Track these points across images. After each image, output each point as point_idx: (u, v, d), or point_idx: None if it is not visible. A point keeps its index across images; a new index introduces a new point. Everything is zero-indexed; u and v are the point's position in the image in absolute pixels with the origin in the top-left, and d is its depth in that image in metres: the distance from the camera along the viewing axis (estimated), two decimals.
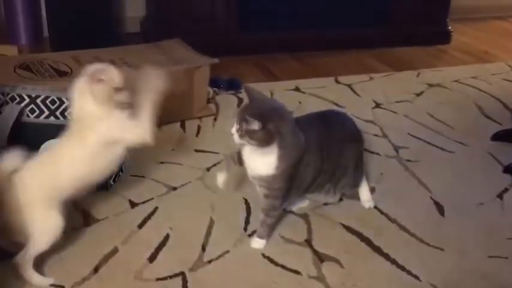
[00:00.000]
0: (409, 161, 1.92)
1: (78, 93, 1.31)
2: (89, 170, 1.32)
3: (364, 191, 1.63)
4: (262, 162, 1.35)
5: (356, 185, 1.60)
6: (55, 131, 1.57)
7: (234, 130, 1.31)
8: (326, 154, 1.44)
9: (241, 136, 1.30)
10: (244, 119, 1.28)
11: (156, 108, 1.38)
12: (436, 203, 1.68)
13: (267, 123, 1.27)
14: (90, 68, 1.30)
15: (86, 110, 1.30)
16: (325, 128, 1.48)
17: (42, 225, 1.27)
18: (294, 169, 1.37)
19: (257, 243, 1.45)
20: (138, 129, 1.34)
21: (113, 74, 1.29)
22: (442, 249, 1.47)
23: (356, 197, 1.63)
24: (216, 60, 2.18)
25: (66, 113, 1.58)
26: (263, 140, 1.29)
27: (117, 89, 1.28)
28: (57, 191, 1.29)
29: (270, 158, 1.33)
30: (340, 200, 1.65)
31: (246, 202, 1.63)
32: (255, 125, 1.26)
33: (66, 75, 1.95)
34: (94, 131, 1.29)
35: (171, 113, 2.09)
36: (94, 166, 1.32)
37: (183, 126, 2.10)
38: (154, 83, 1.40)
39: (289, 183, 1.39)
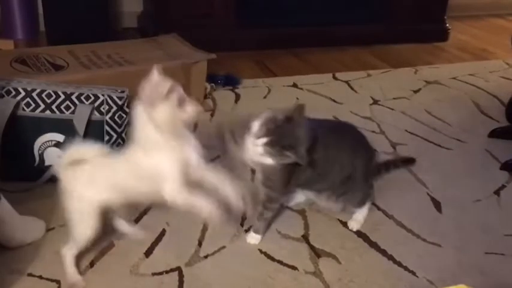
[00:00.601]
0: None
1: (139, 122, 1.19)
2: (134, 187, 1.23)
3: (360, 212, 1.53)
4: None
5: (360, 204, 1.52)
6: (51, 124, 1.58)
7: (260, 142, 1.24)
8: (329, 162, 1.40)
9: (269, 154, 1.24)
10: (292, 146, 1.22)
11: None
12: (433, 199, 1.68)
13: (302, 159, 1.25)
14: (146, 86, 1.15)
15: (151, 138, 1.18)
16: (336, 137, 1.44)
17: (82, 220, 1.25)
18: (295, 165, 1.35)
19: (253, 238, 1.45)
20: (176, 188, 1.20)
21: (173, 85, 1.15)
22: (439, 245, 1.47)
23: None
24: (213, 56, 2.17)
25: (62, 107, 1.57)
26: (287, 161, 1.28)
27: (181, 102, 1.15)
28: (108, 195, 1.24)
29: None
30: None
31: (243, 198, 1.62)
32: (296, 158, 1.25)
33: (62, 69, 1.94)
34: (147, 156, 1.19)
35: None
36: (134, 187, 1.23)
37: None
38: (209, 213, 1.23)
39: (289, 177, 1.38)
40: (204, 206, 1.21)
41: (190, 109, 1.16)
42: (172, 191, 1.20)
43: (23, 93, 1.55)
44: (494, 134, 2.08)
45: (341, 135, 1.48)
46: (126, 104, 1.63)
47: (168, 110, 1.14)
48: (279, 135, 1.24)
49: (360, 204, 1.52)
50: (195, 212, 1.22)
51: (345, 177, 1.44)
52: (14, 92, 1.55)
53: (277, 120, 1.25)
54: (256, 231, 1.45)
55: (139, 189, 1.23)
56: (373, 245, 1.46)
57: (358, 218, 1.53)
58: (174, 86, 1.14)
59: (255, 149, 1.27)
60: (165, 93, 1.13)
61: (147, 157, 1.19)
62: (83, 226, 1.25)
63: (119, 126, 1.64)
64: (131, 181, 1.22)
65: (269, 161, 1.28)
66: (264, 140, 1.24)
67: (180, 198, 1.20)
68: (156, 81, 1.15)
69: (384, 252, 1.43)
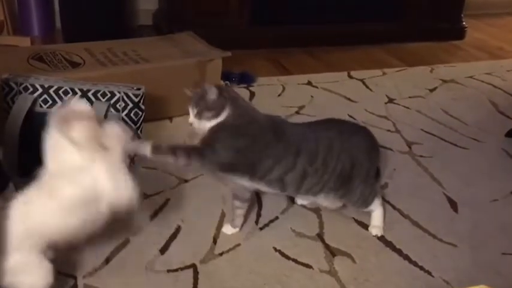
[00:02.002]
0: (422, 156, 1.90)
1: (52, 147, 1.10)
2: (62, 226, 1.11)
3: (375, 216, 1.49)
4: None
5: (364, 204, 1.46)
6: None
7: (192, 118, 1.33)
8: (320, 158, 1.35)
9: (200, 116, 1.31)
10: (203, 92, 1.30)
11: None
12: (449, 199, 1.66)
13: (222, 91, 1.31)
14: (60, 111, 1.10)
15: (66, 162, 1.09)
16: (334, 134, 1.40)
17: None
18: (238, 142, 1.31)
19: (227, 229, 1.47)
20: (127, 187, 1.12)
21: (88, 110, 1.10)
22: (455, 245, 1.46)
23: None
24: (228, 54, 2.17)
25: None
26: (219, 108, 1.30)
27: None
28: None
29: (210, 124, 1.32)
30: None
31: (258, 195, 1.62)
32: (213, 91, 1.29)
33: (78, 66, 1.95)
34: (72, 183, 1.09)
35: (184, 106, 2.09)
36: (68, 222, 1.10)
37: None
38: (117, 136, 1.17)
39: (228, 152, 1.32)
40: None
41: (113, 132, 1.13)
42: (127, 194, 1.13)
43: (40, 90, 1.56)
44: (511, 133, 2.06)
45: (347, 134, 1.43)
46: (142, 101, 1.64)
47: (87, 125, 1.08)
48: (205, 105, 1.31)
49: (364, 204, 1.46)
50: None
51: (346, 176, 1.39)
52: (31, 89, 1.56)
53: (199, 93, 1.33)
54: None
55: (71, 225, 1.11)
56: (389, 244, 1.45)
57: (376, 223, 1.49)
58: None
59: (196, 126, 1.33)
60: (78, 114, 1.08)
61: (60, 191, 1.09)
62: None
63: (135, 123, 1.64)
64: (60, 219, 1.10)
65: (209, 116, 1.31)
66: (192, 112, 1.33)
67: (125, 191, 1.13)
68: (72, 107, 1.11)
69: (399, 252, 1.42)
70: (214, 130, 1.31)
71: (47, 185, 1.10)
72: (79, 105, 1.12)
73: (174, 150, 1.29)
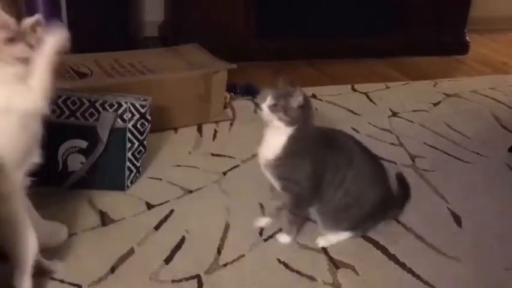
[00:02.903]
0: (425, 170, 1.91)
1: None
2: None
3: (337, 236, 1.50)
4: (272, 143, 1.37)
5: (340, 228, 1.48)
6: (75, 131, 1.60)
7: (265, 105, 1.31)
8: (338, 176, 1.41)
9: (274, 111, 1.31)
10: (289, 93, 1.31)
11: (50, 70, 1.13)
12: (453, 213, 1.67)
13: (306, 102, 1.33)
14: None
15: None
16: (362, 163, 1.45)
17: None
18: (308, 163, 1.37)
19: (282, 237, 1.48)
20: (28, 94, 1.10)
21: (6, 20, 1.07)
22: (458, 260, 1.46)
23: None
24: (233, 66, 2.19)
25: (86, 114, 1.60)
26: (295, 118, 1.32)
27: (10, 40, 1.07)
28: None
29: (281, 138, 1.35)
30: None
31: (262, 207, 1.63)
32: (299, 100, 1.31)
33: (86, 76, 1.97)
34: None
35: (188, 117, 2.11)
36: None
37: (199, 130, 2.11)
38: (50, 39, 1.13)
39: (306, 180, 1.38)
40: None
41: (20, 48, 1.10)
42: (29, 100, 1.10)
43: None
44: None
45: (367, 165, 1.46)
46: (148, 112, 1.65)
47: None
48: (282, 93, 1.33)
49: (339, 228, 1.48)
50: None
51: (347, 204, 1.43)
52: None
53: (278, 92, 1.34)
54: (287, 233, 1.48)
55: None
56: (392, 257, 1.46)
57: (330, 238, 1.49)
58: (7, 20, 1.09)
59: (265, 115, 1.33)
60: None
61: None
62: None
63: (141, 133, 1.66)
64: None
65: (284, 120, 1.32)
66: (269, 101, 1.32)
67: (39, 92, 1.11)
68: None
69: (403, 265, 1.43)
70: (283, 163, 1.36)
71: None
72: None
73: (292, 222, 1.46)
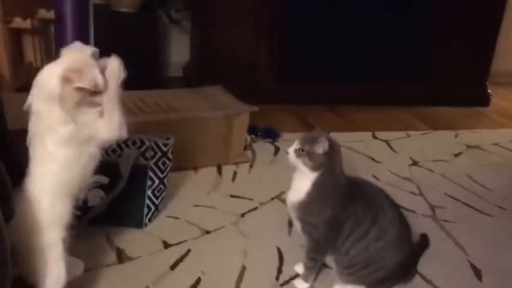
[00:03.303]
0: (445, 221, 1.88)
1: (43, 91, 1.14)
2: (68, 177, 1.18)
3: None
4: (298, 187, 1.39)
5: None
6: (97, 166, 1.62)
7: (291, 150, 1.37)
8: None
9: (299, 156, 1.35)
10: (315, 139, 1.34)
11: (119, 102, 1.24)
12: (473, 266, 1.64)
13: (332, 149, 1.35)
14: (69, 57, 1.15)
15: (49, 113, 1.13)
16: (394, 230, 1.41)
17: None
18: (328, 210, 1.37)
19: (300, 284, 1.47)
20: (106, 126, 1.19)
21: (96, 78, 1.13)
22: None
23: None
24: (255, 109, 2.22)
25: (109, 151, 1.61)
26: (319, 164, 1.35)
27: (95, 93, 1.15)
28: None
29: (306, 183, 1.37)
30: None
31: (279, 251, 1.62)
32: (324, 147, 1.33)
33: None
34: (54, 134, 1.14)
35: (209, 157, 2.12)
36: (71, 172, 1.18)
37: (219, 170, 2.12)
38: (115, 74, 1.22)
39: (323, 225, 1.38)
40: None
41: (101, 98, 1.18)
42: (108, 131, 1.20)
43: None
44: None
45: (393, 225, 1.42)
46: (170, 151, 1.67)
47: (81, 95, 1.13)
48: (308, 138, 1.38)
49: (355, 283, 1.44)
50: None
51: (366, 262, 1.39)
52: None
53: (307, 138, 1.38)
54: (304, 279, 1.46)
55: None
56: None
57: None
58: (96, 78, 1.14)
59: (290, 160, 1.38)
60: (85, 84, 1.12)
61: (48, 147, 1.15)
62: None
63: (162, 172, 1.67)
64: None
65: (309, 165, 1.35)
66: (295, 146, 1.38)
67: (112, 126, 1.20)
68: (86, 60, 1.15)
69: None
70: (310, 203, 1.37)
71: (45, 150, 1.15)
72: (91, 71, 1.14)
73: (309, 268, 1.46)
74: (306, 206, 1.38)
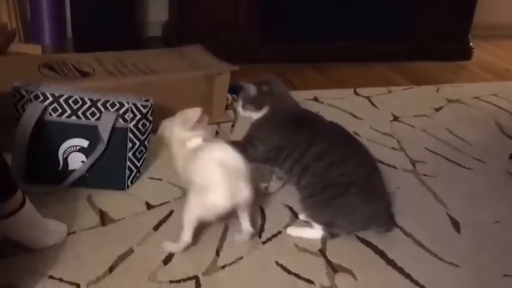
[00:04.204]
0: (425, 175, 1.91)
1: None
2: None
3: (310, 231, 1.54)
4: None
5: (310, 216, 1.54)
6: (76, 130, 1.61)
7: (239, 108, 1.63)
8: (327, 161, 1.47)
9: (245, 108, 1.60)
10: (242, 89, 1.61)
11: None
12: (452, 219, 1.67)
13: (260, 86, 1.59)
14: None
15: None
16: (353, 153, 1.52)
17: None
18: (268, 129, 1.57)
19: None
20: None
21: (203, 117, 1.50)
22: (457, 266, 1.46)
23: None
24: (236, 67, 2.20)
25: (87, 114, 1.60)
26: (260, 103, 1.58)
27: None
28: None
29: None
30: None
31: (261, 209, 1.64)
32: (250, 89, 1.59)
33: (88, 76, 1.98)
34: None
35: None
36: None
37: None
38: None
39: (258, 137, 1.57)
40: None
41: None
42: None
43: (50, 99, 1.59)
44: None
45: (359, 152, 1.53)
46: (150, 113, 1.66)
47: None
48: (247, 99, 1.61)
49: (310, 219, 1.54)
50: None
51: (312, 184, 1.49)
52: (42, 97, 1.58)
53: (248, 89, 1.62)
54: None
55: None
56: (390, 262, 1.46)
57: (301, 231, 1.55)
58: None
59: (242, 114, 1.65)
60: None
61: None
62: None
63: (142, 134, 1.66)
64: None
65: (252, 109, 1.60)
66: (239, 105, 1.64)
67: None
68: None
69: (401, 270, 1.43)
70: (254, 126, 1.60)
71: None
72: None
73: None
74: (253, 126, 1.61)
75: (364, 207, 1.47)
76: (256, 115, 1.60)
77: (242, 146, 1.53)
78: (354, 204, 1.46)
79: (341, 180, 1.45)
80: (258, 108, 1.58)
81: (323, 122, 1.58)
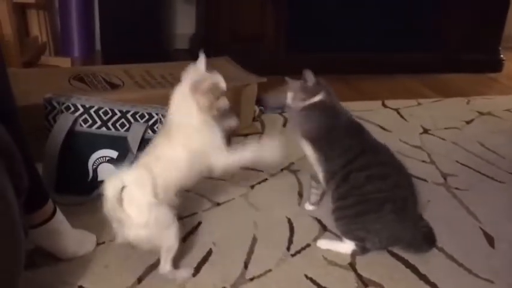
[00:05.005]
0: (457, 189, 1.87)
1: (181, 98, 1.32)
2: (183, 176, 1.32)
3: (341, 245, 1.51)
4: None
5: (343, 233, 1.51)
6: (106, 141, 1.62)
7: (289, 99, 1.53)
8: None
9: (299, 100, 1.50)
10: (301, 79, 1.51)
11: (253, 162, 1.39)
12: (486, 234, 1.63)
13: (319, 78, 1.51)
14: (194, 74, 1.32)
15: (187, 116, 1.30)
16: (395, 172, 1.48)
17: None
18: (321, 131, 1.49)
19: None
20: (222, 156, 1.33)
21: (219, 81, 1.31)
22: (491, 282, 1.42)
23: None
24: (264, 79, 2.20)
25: (117, 125, 1.61)
26: (313, 91, 1.49)
27: (220, 95, 1.31)
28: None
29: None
30: None
31: (290, 222, 1.62)
32: (310, 77, 1.49)
33: (118, 87, 2.00)
34: (185, 143, 1.29)
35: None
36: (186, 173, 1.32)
37: (228, 142, 2.10)
38: (272, 151, 1.37)
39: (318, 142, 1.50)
40: (254, 151, 1.36)
41: (223, 103, 1.33)
42: (221, 161, 1.33)
43: (81, 110, 1.60)
44: None
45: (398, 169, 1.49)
46: None
47: (210, 98, 1.29)
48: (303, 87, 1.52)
49: (341, 234, 1.51)
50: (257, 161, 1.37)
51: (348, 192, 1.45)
52: (73, 108, 1.60)
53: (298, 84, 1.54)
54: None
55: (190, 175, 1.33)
56: (423, 277, 1.42)
57: (331, 244, 1.52)
58: (216, 82, 1.31)
59: (291, 105, 1.55)
60: (208, 86, 1.29)
61: (189, 141, 1.29)
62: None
63: None
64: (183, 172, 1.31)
65: (304, 98, 1.51)
66: (290, 96, 1.55)
67: (230, 163, 1.34)
68: (202, 72, 1.32)
69: (433, 285, 1.39)
70: (307, 108, 1.51)
71: (174, 137, 1.30)
72: (214, 77, 1.32)
73: None
74: (301, 113, 1.52)
75: (394, 227, 1.44)
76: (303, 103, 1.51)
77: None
78: (385, 222, 1.43)
79: (376, 196, 1.42)
80: (311, 96, 1.50)
81: (370, 135, 1.54)
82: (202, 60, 1.33)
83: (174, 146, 1.29)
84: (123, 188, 1.21)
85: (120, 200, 1.21)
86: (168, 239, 1.30)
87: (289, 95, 1.53)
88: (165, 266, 1.33)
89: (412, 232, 1.48)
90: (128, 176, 1.24)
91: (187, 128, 1.30)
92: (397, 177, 1.47)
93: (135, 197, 1.23)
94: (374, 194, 1.42)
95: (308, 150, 1.53)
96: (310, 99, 1.50)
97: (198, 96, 1.28)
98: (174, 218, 1.30)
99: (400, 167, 1.50)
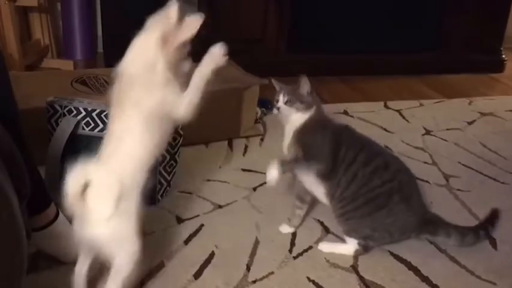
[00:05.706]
0: (459, 190, 1.87)
1: (143, 50, 1.18)
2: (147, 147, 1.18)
3: (343, 246, 1.51)
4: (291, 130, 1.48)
5: (347, 233, 1.50)
6: None
7: (281, 104, 1.47)
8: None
9: (290, 104, 1.46)
10: (297, 84, 1.48)
11: (206, 85, 1.25)
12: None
13: (313, 89, 1.48)
14: (164, 24, 1.17)
15: (146, 71, 1.16)
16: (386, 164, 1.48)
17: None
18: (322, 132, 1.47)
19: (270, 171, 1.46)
20: (181, 102, 1.19)
21: (193, 27, 1.19)
22: (494, 284, 1.42)
23: None
24: (265, 81, 2.19)
25: None
26: (310, 102, 1.47)
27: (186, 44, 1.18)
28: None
29: (300, 121, 1.47)
30: None
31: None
32: (307, 85, 1.47)
33: None
34: (138, 101, 1.15)
35: (219, 131, 2.11)
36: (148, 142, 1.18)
37: (230, 144, 2.11)
38: (214, 57, 1.26)
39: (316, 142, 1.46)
40: (200, 72, 1.25)
41: (187, 67, 1.23)
42: (182, 107, 1.20)
43: (83, 113, 1.60)
44: None
45: (394, 168, 1.49)
46: (180, 126, 1.66)
47: (180, 53, 1.18)
48: (291, 87, 1.51)
49: (347, 233, 1.50)
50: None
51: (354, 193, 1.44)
52: (75, 112, 1.60)
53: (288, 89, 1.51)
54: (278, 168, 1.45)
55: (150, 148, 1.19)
56: (425, 279, 1.42)
57: (333, 246, 1.52)
58: (186, 41, 1.18)
59: (283, 111, 1.49)
60: (182, 41, 1.16)
61: (144, 99, 1.15)
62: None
63: (172, 147, 1.67)
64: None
65: (300, 108, 1.47)
66: (283, 99, 1.49)
67: (190, 107, 1.21)
68: (174, 22, 1.17)
69: None
70: (305, 132, 1.47)
71: (125, 98, 1.16)
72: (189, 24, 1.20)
73: (293, 161, 1.49)
74: (301, 131, 1.47)
75: (406, 215, 1.46)
76: (300, 116, 1.47)
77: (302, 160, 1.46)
78: (397, 212, 1.44)
79: (383, 190, 1.43)
80: (309, 107, 1.47)
81: (355, 130, 1.56)
82: (175, 7, 1.18)
83: (126, 114, 1.15)
84: (85, 183, 1.11)
85: (82, 195, 1.10)
86: (125, 253, 1.17)
87: (281, 98, 1.48)
88: None
89: (420, 216, 1.50)
90: (92, 173, 1.15)
91: (144, 84, 1.15)
92: (393, 160, 1.52)
93: (99, 192, 1.13)
94: (381, 188, 1.43)
95: (311, 177, 1.50)
96: (306, 111, 1.47)
97: (167, 51, 1.14)
98: (138, 236, 1.18)
99: (386, 150, 1.57)
